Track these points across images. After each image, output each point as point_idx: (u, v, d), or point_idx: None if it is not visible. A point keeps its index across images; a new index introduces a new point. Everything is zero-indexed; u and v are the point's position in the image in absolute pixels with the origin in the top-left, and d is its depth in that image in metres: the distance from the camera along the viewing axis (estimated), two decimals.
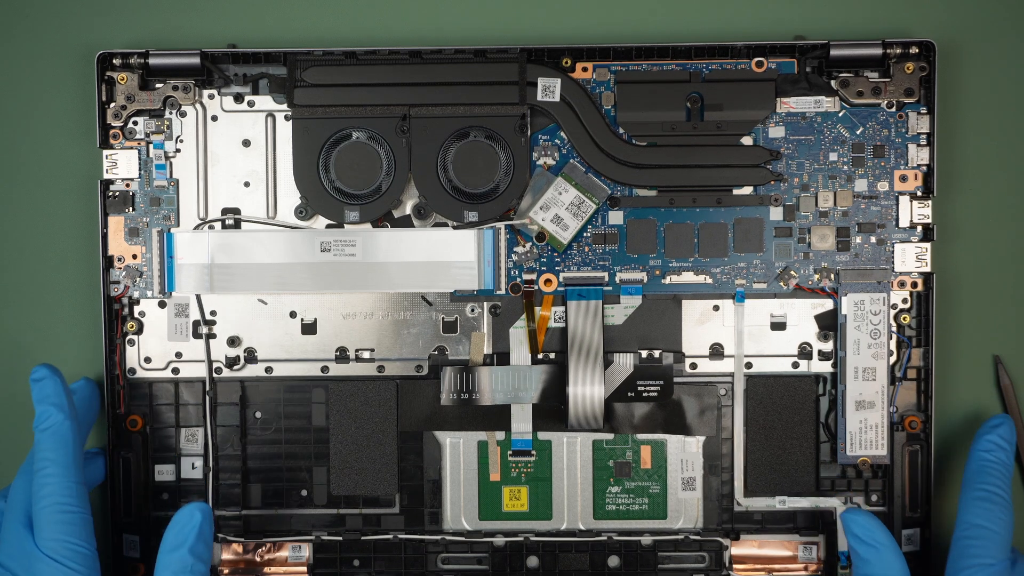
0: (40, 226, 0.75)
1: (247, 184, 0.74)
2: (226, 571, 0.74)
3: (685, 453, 0.75)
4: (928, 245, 0.73)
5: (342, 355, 0.74)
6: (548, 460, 0.75)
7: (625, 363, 0.74)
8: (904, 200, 0.73)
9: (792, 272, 0.73)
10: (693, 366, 0.74)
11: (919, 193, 0.73)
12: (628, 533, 0.75)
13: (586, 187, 0.73)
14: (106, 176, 0.73)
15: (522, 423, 0.74)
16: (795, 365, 0.74)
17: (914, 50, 0.72)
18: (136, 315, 0.73)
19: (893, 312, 0.73)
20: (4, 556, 0.66)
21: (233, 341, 0.74)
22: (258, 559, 0.75)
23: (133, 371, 0.74)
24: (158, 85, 0.73)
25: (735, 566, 0.74)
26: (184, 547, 0.67)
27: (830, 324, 0.74)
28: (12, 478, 0.75)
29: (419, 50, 0.72)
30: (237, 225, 0.73)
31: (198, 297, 0.73)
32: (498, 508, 0.75)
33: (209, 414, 0.74)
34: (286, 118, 0.73)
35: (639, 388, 0.74)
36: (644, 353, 0.74)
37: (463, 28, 0.75)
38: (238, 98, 0.73)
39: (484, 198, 0.72)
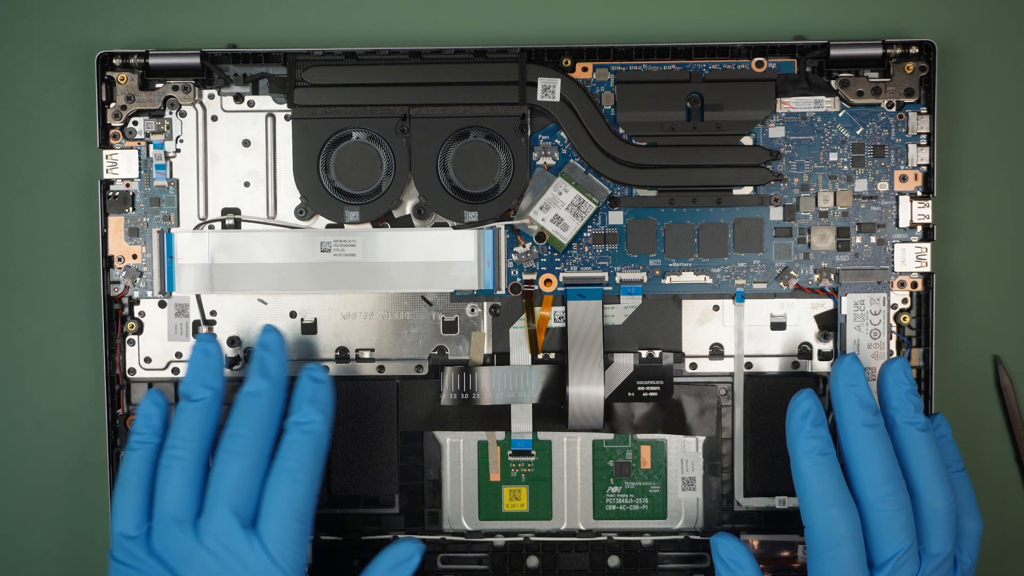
0: (40, 226, 0.75)
1: (247, 184, 0.74)
2: None
3: (685, 453, 0.75)
4: (928, 245, 0.73)
5: (342, 355, 0.74)
6: (548, 460, 0.75)
7: (625, 363, 0.74)
8: (904, 200, 0.73)
9: (792, 272, 0.73)
10: (693, 366, 0.74)
11: (919, 193, 0.73)
12: (628, 533, 0.75)
13: (586, 187, 0.73)
14: (106, 176, 0.73)
15: (522, 423, 0.74)
16: (795, 365, 0.74)
17: (914, 50, 0.72)
18: (136, 315, 0.73)
19: (893, 312, 0.73)
20: (210, 543, 0.63)
21: (233, 341, 0.74)
22: None
23: (133, 371, 0.74)
24: (158, 85, 0.73)
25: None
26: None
27: (830, 324, 0.74)
28: (12, 477, 0.75)
29: (419, 50, 0.72)
30: (237, 225, 0.73)
31: (198, 297, 0.73)
32: (498, 508, 0.75)
33: None
34: (286, 118, 0.73)
35: (639, 388, 0.74)
36: (644, 353, 0.74)
37: (463, 28, 0.75)
38: (238, 98, 0.73)
39: (484, 198, 0.72)
